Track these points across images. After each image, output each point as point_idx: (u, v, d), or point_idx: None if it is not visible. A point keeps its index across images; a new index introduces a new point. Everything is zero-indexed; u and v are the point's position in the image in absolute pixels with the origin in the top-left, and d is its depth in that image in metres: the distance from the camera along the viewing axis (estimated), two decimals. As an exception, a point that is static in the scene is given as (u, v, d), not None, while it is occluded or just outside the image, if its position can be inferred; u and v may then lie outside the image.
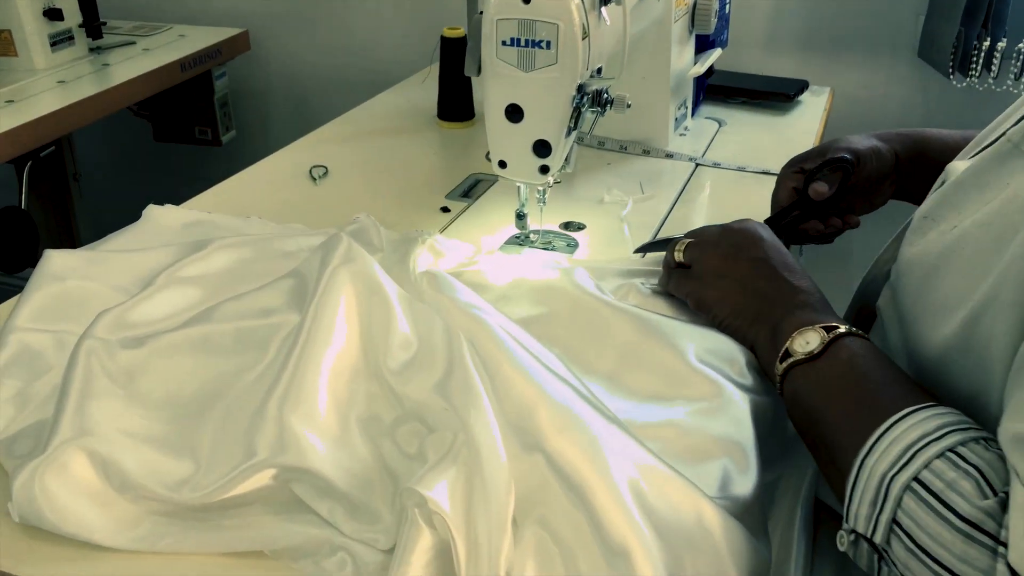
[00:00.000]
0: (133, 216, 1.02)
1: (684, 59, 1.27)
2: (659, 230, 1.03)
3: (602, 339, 0.78)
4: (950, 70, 1.54)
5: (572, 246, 0.99)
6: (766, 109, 1.41)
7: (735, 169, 1.19)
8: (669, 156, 1.22)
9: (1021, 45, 1.55)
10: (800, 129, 1.34)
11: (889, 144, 0.92)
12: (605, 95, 0.92)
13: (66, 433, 0.62)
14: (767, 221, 0.90)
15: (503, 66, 0.86)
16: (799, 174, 0.93)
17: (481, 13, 0.88)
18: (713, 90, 1.44)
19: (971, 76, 1.56)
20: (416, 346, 0.69)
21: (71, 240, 1.99)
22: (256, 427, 0.62)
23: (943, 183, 0.69)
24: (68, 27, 1.75)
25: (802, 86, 1.44)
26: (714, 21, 1.25)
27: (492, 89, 0.89)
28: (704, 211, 1.08)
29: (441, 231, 1.03)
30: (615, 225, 1.04)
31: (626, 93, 0.94)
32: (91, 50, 1.82)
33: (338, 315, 0.69)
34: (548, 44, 0.85)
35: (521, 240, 0.99)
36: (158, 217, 1.01)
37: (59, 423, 0.62)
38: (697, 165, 1.20)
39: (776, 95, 1.41)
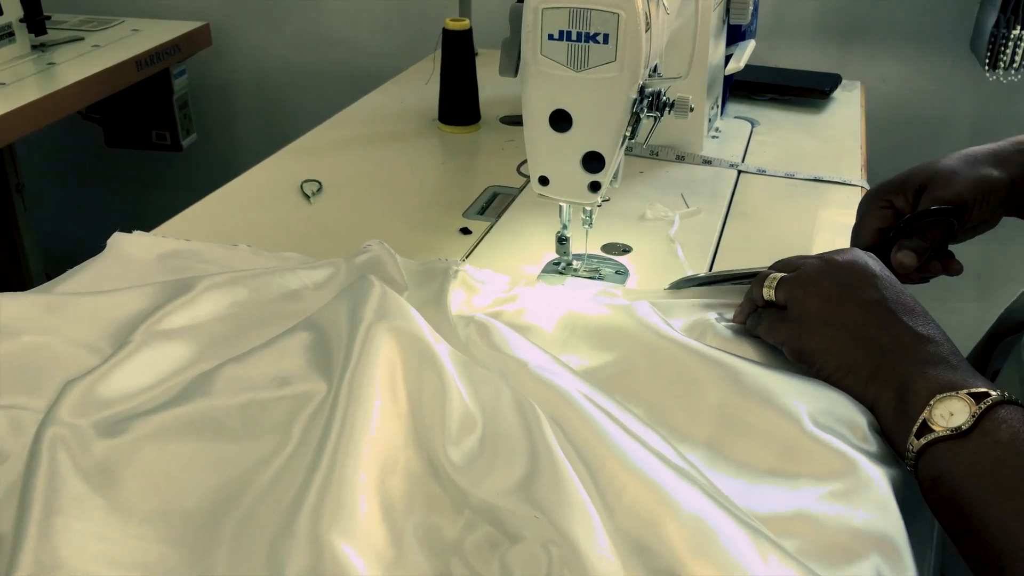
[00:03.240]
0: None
1: (718, 53, 1.13)
2: (716, 251, 0.90)
3: (692, 397, 0.64)
4: (987, 62, 1.43)
5: (622, 274, 0.85)
6: (797, 107, 1.29)
7: (783, 176, 1.06)
8: (707, 162, 1.09)
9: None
10: (841, 129, 1.22)
11: (1004, 169, 0.76)
12: (664, 97, 0.78)
13: (29, 568, 0.46)
14: None
15: (549, 64, 0.72)
16: (887, 209, 0.79)
17: (520, 1, 0.74)
18: (737, 86, 1.31)
19: (1000, 67, 1.45)
20: (481, 426, 0.54)
21: (16, 259, 1.80)
22: (285, 549, 0.47)
23: None
24: (7, 22, 1.56)
25: (835, 81, 1.32)
26: (751, 9, 1.12)
27: (535, 92, 0.74)
28: (763, 227, 0.95)
29: (465, 257, 0.88)
30: (664, 246, 0.90)
31: (688, 95, 0.81)
32: (34, 48, 1.63)
33: (380, 390, 0.54)
34: (606, 38, 0.70)
35: (563, 268, 0.84)
36: (127, 248, 0.85)
37: (19, 552, 0.47)
38: (740, 172, 1.07)
39: (811, 91, 1.28)
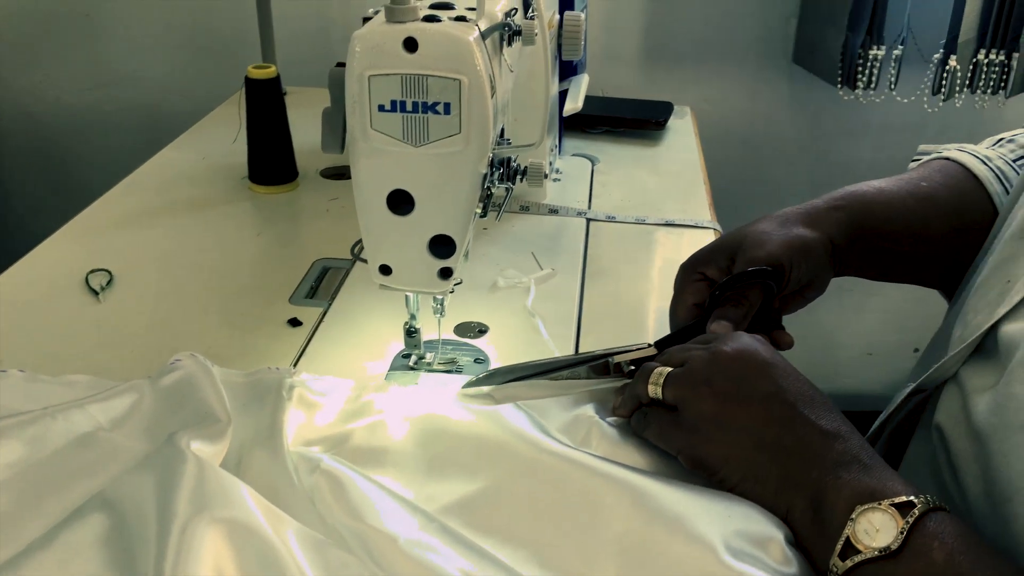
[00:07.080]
0: None
1: (553, 91, 1.06)
2: (580, 321, 0.82)
3: (588, 528, 0.55)
4: (839, 80, 1.44)
5: (482, 362, 0.74)
6: (633, 139, 1.24)
7: (633, 222, 1.00)
8: (554, 211, 1.01)
9: (896, 52, 1.47)
10: (680, 162, 1.18)
11: (819, 230, 0.71)
12: (515, 164, 0.69)
13: None
14: (658, 344, 0.68)
15: (382, 140, 0.61)
16: (702, 282, 0.72)
17: (340, 65, 0.62)
18: (571, 120, 1.24)
19: (859, 87, 1.46)
20: (347, 638, 0.42)
21: None
22: None
23: None
24: None
25: (668, 109, 1.28)
26: (582, 44, 1.05)
27: (367, 171, 0.63)
28: (622, 285, 0.87)
29: (297, 359, 0.75)
30: (523, 321, 0.81)
31: (541, 160, 0.72)
32: None
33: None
34: (447, 107, 0.60)
35: (415, 363, 0.73)
36: None
37: None
38: (589, 221, 1.00)
39: (645, 123, 1.23)
